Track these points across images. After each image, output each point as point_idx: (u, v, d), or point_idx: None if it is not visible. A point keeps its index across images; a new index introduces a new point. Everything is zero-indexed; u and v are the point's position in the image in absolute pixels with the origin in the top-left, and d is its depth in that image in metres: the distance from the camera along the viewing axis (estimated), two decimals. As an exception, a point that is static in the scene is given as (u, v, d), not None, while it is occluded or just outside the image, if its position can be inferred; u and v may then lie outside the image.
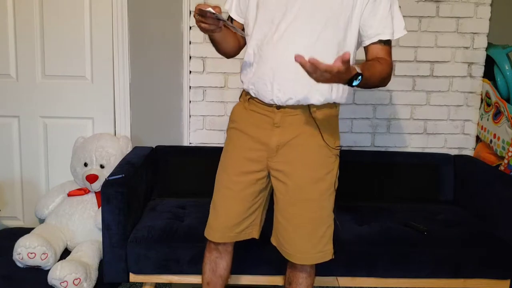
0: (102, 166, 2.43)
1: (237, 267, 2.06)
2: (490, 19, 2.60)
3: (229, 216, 1.69)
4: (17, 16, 2.59)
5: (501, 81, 2.48)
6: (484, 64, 2.64)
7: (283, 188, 1.62)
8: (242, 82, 1.68)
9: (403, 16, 2.57)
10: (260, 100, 1.61)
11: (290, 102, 1.56)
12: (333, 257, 1.67)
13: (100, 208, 2.21)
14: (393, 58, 2.56)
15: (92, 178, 2.37)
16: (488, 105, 2.57)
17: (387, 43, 1.59)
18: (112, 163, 2.43)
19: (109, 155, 2.45)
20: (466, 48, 2.63)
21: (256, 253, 2.02)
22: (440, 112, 2.69)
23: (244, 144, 1.66)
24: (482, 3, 2.58)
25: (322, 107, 1.59)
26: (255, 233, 1.74)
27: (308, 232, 1.62)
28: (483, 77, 2.65)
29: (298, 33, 1.51)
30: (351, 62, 1.40)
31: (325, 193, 1.63)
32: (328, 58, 1.38)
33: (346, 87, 1.57)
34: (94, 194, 2.42)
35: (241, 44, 1.75)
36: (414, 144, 2.72)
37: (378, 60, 1.55)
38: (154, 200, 2.47)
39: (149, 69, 2.61)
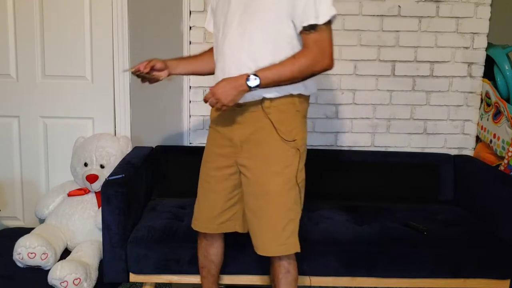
0: (102, 166, 2.43)
1: (232, 267, 2.07)
2: (490, 19, 2.60)
3: (208, 208, 1.81)
4: (17, 16, 2.59)
5: (501, 81, 2.48)
6: (484, 64, 2.64)
7: (246, 181, 1.71)
8: None
9: (403, 16, 2.61)
10: None
11: (242, 100, 1.60)
12: (299, 250, 1.71)
13: (100, 208, 2.22)
14: (393, 58, 2.62)
15: (92, 178, 2.37)
16: (488, 105, 2.57)
17: (313, 29, 1.56)
18: (112, 163, 2.43)
19: (109, 155, 2.45)
20: (466, 48, 2.63)
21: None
22: (440, 112, 2.69)
23: (215, 141, 1.78)
24: (482, 3, 2.58)
25: (277, 101, 1.63)
26: (238, 227, 1.83)
27: (268, 225, 1.68)
28: (483, 77, 2.65)
29: (236, 36, 1.62)
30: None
31: (284, 187, 1.66)
32: (266, 55, 1.58)
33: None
34: (94, 194, 2.42)
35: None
36: (414, 144, 2.72)
37: (294, 55, 1.59)
38: (154, 200, 2.47)
39: (149, 69, 2.61)
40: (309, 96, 1.72)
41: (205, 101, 1.59)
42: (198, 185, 1.85)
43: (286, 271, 1.74)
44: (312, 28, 1.56)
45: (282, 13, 1.57)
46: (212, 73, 1.82)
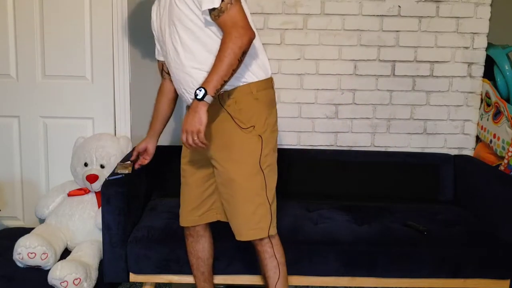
0: (102, 166, 2.43)
1: (232, 267, 2.06)
2: (490, 19, 2.60)
3: (187, 201, 1.90)
4: (17, 16, 2.59)
5: (501, 81, 2.48)
6: (484, 64, 2.64)
7: (216, 172, 1.78)
8: None
9: (403, 16, 2.61)
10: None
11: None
12: (272, 233, 1.75)
13: (100, 208, 2.21)
14: (393, 58, 2.62)
15: (92, 178, 2.37)
16: (488, 105, 2.57)
17: (220, 11, 1.58)
18: (112, 163, 2.43)
19: (109, 155, 2.45)
20: (466, 48, 2.63)
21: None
22: (440, 112, 2.69)
23: None
24: (482, 3, 2.58)
25: (234, 92, 1.69)
26: (219, 216, 1.90)
27: (239, 211, 1.74)
28: (483, 77, 2.65)
29: (172, 51, 1.71)
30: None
31: (249, 174, 1.71)
32: (202, 53, 1.65)
33: (250, 67, 1.70)
34: (94, 194, 2.42)
35: (174, 102, 2.04)
36: (414, 144, 2.72)
37: (219, 48, 1.60)
38: (154, 200, 2.47)
39: (149, 69, 2.61)
40: (268, 80, 1.75)
41: (188, 144, 1.60)
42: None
43: (270, 256, 1.78)
44: (217, 11, 1.58)
45: (188, 10, 1.63)
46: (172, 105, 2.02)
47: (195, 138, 1.58)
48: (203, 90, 1.56)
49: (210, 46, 1.64)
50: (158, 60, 1.99)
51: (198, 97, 1.56)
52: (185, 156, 1.89)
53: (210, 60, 1.61)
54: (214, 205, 1.90)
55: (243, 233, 1.76)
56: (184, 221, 1.94)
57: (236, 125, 1.69)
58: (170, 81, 1.91)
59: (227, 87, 1.65)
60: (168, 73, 1.91)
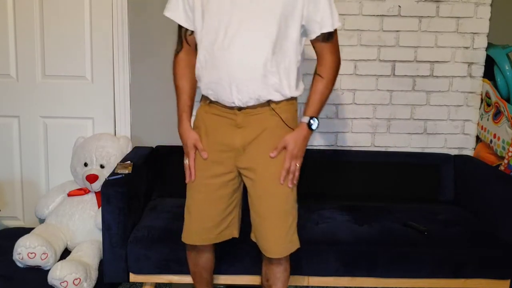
0: (102, 166, 2.43)
1: (232, 267, 2.06)
2: (490, 19, 2.60)
3: (204, 219, 1.72)
4: (17, 16, 2.59)
5: (501, 81, 2.48)
6: (484, 64, 2.64)
7: (251, 184, 1.68)
8: (199, 87, 1.70)
9: (404, 16, 2.61)
10: (220, 104, 1.64)
11: (251, 103, 1.60)
12: (299, 246, 1.72)
13: (100, 208, 2.21)
14: (393, 58, 2.62)
15: (92, 178, 2.37)
16: (488, 105, 2.57)
17: (330, 36, 1.62)
18: (112, 163, 2.43)
19: (109, 155, 2.45)
20: (466, 48, 2.63)
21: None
22: (440, 112, 2.69)
23: (211, 148, 1.68)
24: (482, 3, 2.58)
25: (281, 103, 1.64)
26: (235, 233, 1.79)
27: (277, 225, 1.66)
28: (483, 77, 2.65)
29: (245, 36, 1.54)
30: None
31: (289, 186, 1.67)
32: (274, 58, 1.55)
33: (299, 82, 1.67)
34: (94, 194, 2.42)
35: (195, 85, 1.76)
36: (414, 144, 2.72)
37: (319, 72, 1.65)
38: (154, 200, 2.47)
39: (149, 69, 2.61)
40: None
41: (292, 173, 1.63)
42: (188, 197, 1.76)
43: (284, 270, 1.76)
44: (329, 36, 1.61)
45: (293, 16, 1.57)
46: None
47: (297, 165, 1.63)
48: (316, 120, 1.64)
49: (283, 60, 1.59)
50: (181, 26, 1.69)
51: (313, 127, 1.63)
52: (204, 169, 1.70)
53: (273, 71, 1.57)
54: (232, 222, 1.77)
55: (281, 248, 1.68)
56: (197, 240, 1.75)
57: (285, 126, 1.66)
58: (192, 52, 1.70)
59: (277, 97, 1.61)
60: (189, 44, 1.70)
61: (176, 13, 1.66)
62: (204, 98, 1.71)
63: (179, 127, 1.74)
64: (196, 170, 1.71)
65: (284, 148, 1.63)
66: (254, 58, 1.55)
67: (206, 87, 1.64)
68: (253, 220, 1.71)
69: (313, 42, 1.65)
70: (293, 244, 1.70)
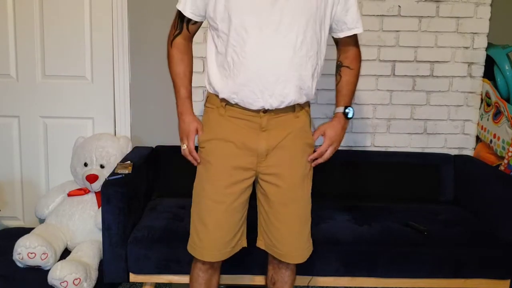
0: (102, 166, 2.43)
1: (232, 267, 2.06)
2: (490, 19, 2.60)
3: (224, 231, 1.59)
4: (17, 16, 2.59)
5: (501, 81, 2.48)
6: (484, 64, 2.64)
7: (274, 190, 1.60)
8: (213, 88, 1.59)
9: (404, 16, 2.61)
10: (241, 106, 1.55)
11: (282, 105, 1.54)
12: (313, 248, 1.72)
13: (100, 208, 2.21)
14: (393, 58, 2.62)
15: (92, 178, 2.37)
16: (488, 105, 2.57)
17: (356, 38, 1.69)
18: (112, 163, 2.43)
19: (109, 155, 2.45)
20: (466, 48, 2.63)
21: (250, 252, 2.03)
22: (440, 112, 2.69)
23: (229, 153, 1.57)
24: (482, 3, 2.58)
25: (303, 106, 1.62)
26: (244, 242, 1.69)
27: (299, 230, 1.64)
28: (483, 77, 2.65)
29: (281, 38, 1.46)
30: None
31: (309, 189, 1.68)
32: (309, 57, 1.51)
33: (315, 85, 1.62)
34: (94, 194, 2.42)
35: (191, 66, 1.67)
36: (414, 144, 2.72)
37: (347, 64, 1.68)
38: (154, 200, 2.47)
39: (149, 69, 2.61)
40: None
41: (324, 159, 1.64)
42: (199, 208, 1.61)
43: (292, 273, 1.74)
44: (356, 37, 1.66)
45: (326, 17, 1.56)
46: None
47: (332, 153, 1.64)
48: (351, 109, 1.65)
49: (319, 60, 1.60)
50: (185, 18, 1.59)
51: (349, 115, 1.66)
52: (224, 178, 1.57)
53: (308, 73, 1.55)
54: (244, 231, 1.67)
55: (302, 253, 1.65)
56: (217, 255, 1.60)
57: (310, 141, 1.65)
58: (190, 39, 1.64)
59: (303, 99, 1.59)
60: (189, 32, 1.62)
61: (183, 2, 1.57)
62: (217, 100, 1.59)
63: (183, 112, 1.61)
64: (213, 180, 1.59)
65: (323, 135, 1.65)
66: (290, 61, 1.48)
67: (230, 91, 1.52)
68: (272, 226, 1.63)
69: (337, 38, 1.68)
70: (309, 249, 1.70)
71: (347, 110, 1.66)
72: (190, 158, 1.64)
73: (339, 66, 1.70)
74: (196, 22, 1.61)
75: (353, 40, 1.67)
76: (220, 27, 1.51)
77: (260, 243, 1.71)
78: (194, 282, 1.71)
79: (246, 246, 1.69)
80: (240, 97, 1.52)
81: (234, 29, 1.47)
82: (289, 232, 1.63)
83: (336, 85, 1.70)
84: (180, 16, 1.60)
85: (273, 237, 1.65)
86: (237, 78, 1.50)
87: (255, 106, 1.53)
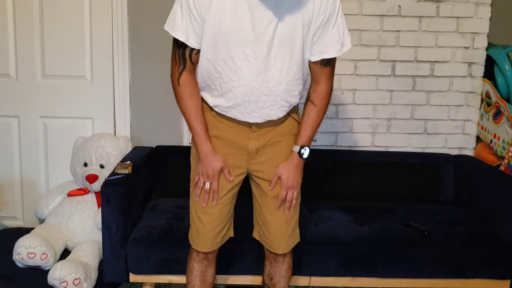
0: (102, 166, 2.43)
1: (232, 267, 2.06)
2: (490, 19, 2.60)
3: (215, 223, 1.67)
4: (17, 16, 2.59)
5: (501, 81, 2.48)
6: (484, 64, 2.64)
7: (264, 184, 1.67)
8: (204, 99, 1.63)
9: (404, 16, 2.61)
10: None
11: (268, 123, 1.61)
12: (300, 239, 1.76)
13: (100, 208, 2.21)
14: (393, 58, 2.62)
15: (92, 178, 2.37)
16: (488, 105, 2.57)
17: (330, 61, 1.59)
18: (112, 163, 2.43)
19: (109, 155, 2.45)
20: (466, 48, 2.63)
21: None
22: (440, 112, 2.69)
23: (221, 150, 1.62)
24: (482, 3, 2.58)
25: (295, 107, 1.69)
26: (231, 232, 1.77)
27: (287, 222, 1.69)
28: (483, 77, 2.65)
29: (269, 68, 1.49)
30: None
31: (299, 182, 1.70)
32: (296, 80, 1.54)
33: (302, 92, 1.64)
34: (94, 194, 2.42)
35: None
36: (414, 144, 2.72)
37: (313, 99, 1.63)
38: (154, 200, 2.47)
39: (149, 69, 2.61)
40: None
41: (289, 201, 1.65)
42: (195, 201, 1.67)
43: (288, 267, 1.78)
44: (329, 61, 1.58)
45: (308, 38, 1.51)
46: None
47: (294, 193, 1.65)
48: (307, 149, 1.63)
49: (304, 84, 1.62)
50: (185, 46, 1.52)
51: (304, 156, 1.62)
52: (224, 188, 1.65)
53: (297, 95, 1.60)
54: (231, 222, 1.74)
55: (288, 244, 1.72)
56: (209, 246, 1.69)
57: (297, 124, 1.70)
58: (194, 70, 1.60)
59: (296, 101, 1.63)
60: (193, 63, 1.57)
61: (184, 33, 1.50)
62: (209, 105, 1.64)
63: (208, 152, 1.60)
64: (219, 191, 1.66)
65: (279, 178, 1.65)
66: (277, 88, 1.52)
67: (220, 108, 1.58)
68: (263, 217, 1.71)
69: (310, 64, 1.59)
70: (296, 238, 1.74)
71: (302, 151, 1.63)
72: (206, 196, 1.64)
73: (307, 97, 1.67)
74: (198, 51, 1.54)
75: (326, 72, 1.59)
76: (205, 53, 1.51)
77: (255, 234, 1.79)
78: (190, 274, 1.77)
79: (233, 236, 1.76)
80: (230, 114, 1.59)
81: (222, 58, 1.48)
82: (278, 224, 1.69)
83: (301, 116, 1.68)
84: (180, 48, 1.54)
85: (264, 227, 1.72)
86: (226, 100, 1.55)
87: (243, 123, 1.60)
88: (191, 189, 1.71)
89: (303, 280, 2.09)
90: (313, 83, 1.63)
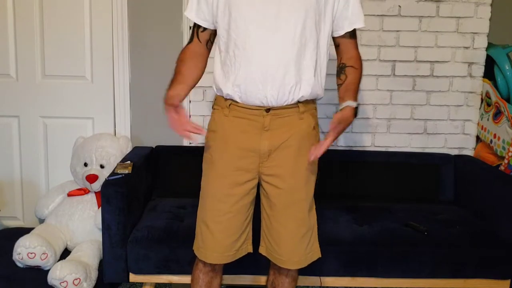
0: (102, 166, 2.43)
1: (232, 267, 2.06)
2: (490, 19, 2.60)
3: (226, 233, 1.58)
4: (17, 16, 2.59)
5: (501, 81, 2.48)
6: (484, 64, 2.64)
7: (275, 192, 1.59)
8: (218, 88, 1.62)
9: (404, 16, 2.61)
10: (245, 105, 1.56)
11: (282, 100, 1.53)
12: (320, 255, 1.68)
13: (100, 208, 2.21)
14: (393, 58, 2.63)
15: (92, 178, 2.37)
16: (488, 105, 2.57)
17: (354, 35, 1.65)
18: (112, 163, 2.43)
19: (109, 155, 2.45)
20: (466, 48, 2.63)
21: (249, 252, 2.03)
22: (440, 112, 2.69)
23: (232, 154, 1.58)
24: (482, 3, 2.58)
25: (309, 105, 1.61)
26: (249, 247, 1.68)
27: (301, 234, 1.61)
28: (483, 77, 2.65)
29: (280, 28, 1.49)
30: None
31: (312, 191, 1.65)
32: (309, 47, 1.53)
33: (324, 81, 1.65)
34: (94, 194, 2.42)
35: (203, 70, 1.68)
36: (414, 144, 2.72)
37: (352, 64, 1.62)
38: (154, 200, 2.47)
39: (149, 69, 2.61)
40: None
41: (324, 148, 1.48)
42: (202, 206, 1.63)
43: (292, 280, 1.72)
44: (354, 32, 1.63)
45: (326, 11, 1.56)
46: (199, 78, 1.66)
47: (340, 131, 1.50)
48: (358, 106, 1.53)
49: (319, 59, 1.60)
50: (195, 25, 1.64)
51: (357, 110, 1.52)
52: (229, 177, 1.58)
53: (308, 68, 1.56)
54: (249, 235, 1.65)
55: (302, 259, 1.61)
56: (219, 257, 1.59)
57: (315, 141, 1.64)
58: (200, 48, 1.65)
59: (311, 95, 1.59)
60: (200, 41, 1.64)
61: (193, 10, 1.62)
62: (223, 100, 1.61)
63: (168, 91, 1.58)
64: (216, 180, 1.60)
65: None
66: (290, 52, 1.50)
67: (232, 85, 1.54)
68: (273, 229, 1.62)
69: (338, 39, 1.64)
70: (313, 254, 1.65)
71: (356, 105, 1.53)
72: (187, 133, 1.54)
73: (343, 67, 1.64)
74: (205, 29, 1.64)
75: (353, 43, 1.65)
76: (221, 23, 1.57)
77: (262, 249, 1.70)
78: (195, 284, 1.70)
79: (251, 251, 1.67)
80: (243, 91, 1.53)
81: (234, 21, 1.52)
82: (290, 236, 1.59)
83: (341, 85, 1.62)
84: (194, 28, 1.67)
85: (273, 241, 1.63)
86: (239, 70, 1.53)
87: (257, 100, 1.53)
88: (200, 197, 1.65)
89: (303, 280, 2.09)
90: (345, 54, 1.65)
